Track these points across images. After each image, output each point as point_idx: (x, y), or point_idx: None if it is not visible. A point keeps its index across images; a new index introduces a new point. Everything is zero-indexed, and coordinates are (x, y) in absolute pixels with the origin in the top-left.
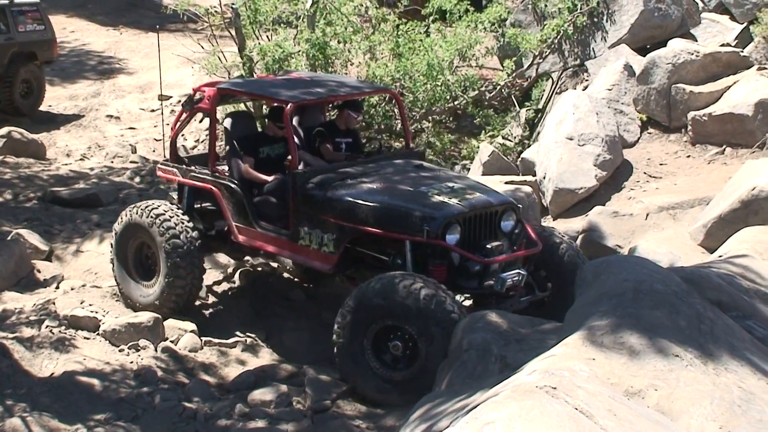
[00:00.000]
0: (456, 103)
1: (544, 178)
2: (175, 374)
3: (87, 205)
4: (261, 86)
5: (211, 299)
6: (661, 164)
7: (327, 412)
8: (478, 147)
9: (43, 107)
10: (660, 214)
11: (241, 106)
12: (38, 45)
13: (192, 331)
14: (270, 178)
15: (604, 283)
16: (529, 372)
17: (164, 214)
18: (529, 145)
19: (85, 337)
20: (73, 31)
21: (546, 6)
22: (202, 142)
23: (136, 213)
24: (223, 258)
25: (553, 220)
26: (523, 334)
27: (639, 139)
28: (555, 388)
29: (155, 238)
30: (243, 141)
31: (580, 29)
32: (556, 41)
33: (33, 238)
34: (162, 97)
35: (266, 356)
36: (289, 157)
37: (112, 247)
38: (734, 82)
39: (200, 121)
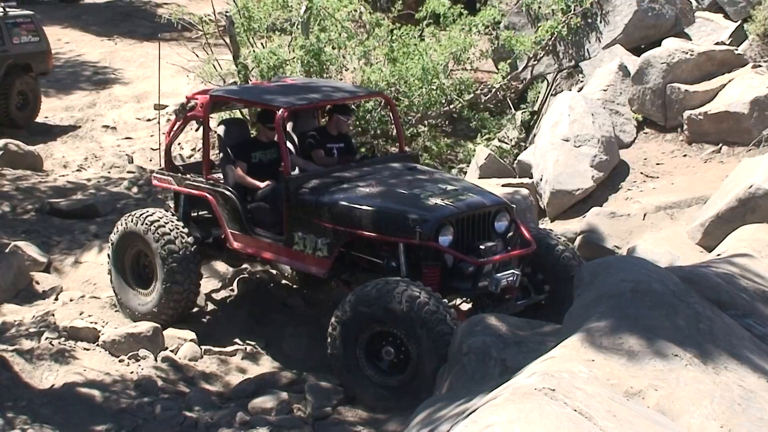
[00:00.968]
0: (451, 106)
1: (541, 180)
2: (175, 384)
3: (85, 216)
4: (253, 92)
5: (210, 307)
6: (657, 164)
7: (328, 419)
8: (475, 150)
9: (39, 119)
10: (657, 213)
11: (237, 113)
12: (33, 57)
13: (191, 340)
14: (263, 184)
15: (602, 284)
16: (529, 374)
17: (159, 221)
18: (525, 148)
19: (84, 348)
20: (67, 42)
21: (540, 8)
22: (199, 150)
23: (132, 221)
24: (221, 266)
25: (551, 222)
26: (522, 336)
27: (635, 139)
28: (554, 389)
29: (151, 245)
30: (236, 147)
31: (574, 30)
32: (550, 43)
33: (31, 250)
34: (158, 107)
35: (266, 364)
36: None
37: (109, 257)
38: (729, 81)
39: (196, 130)
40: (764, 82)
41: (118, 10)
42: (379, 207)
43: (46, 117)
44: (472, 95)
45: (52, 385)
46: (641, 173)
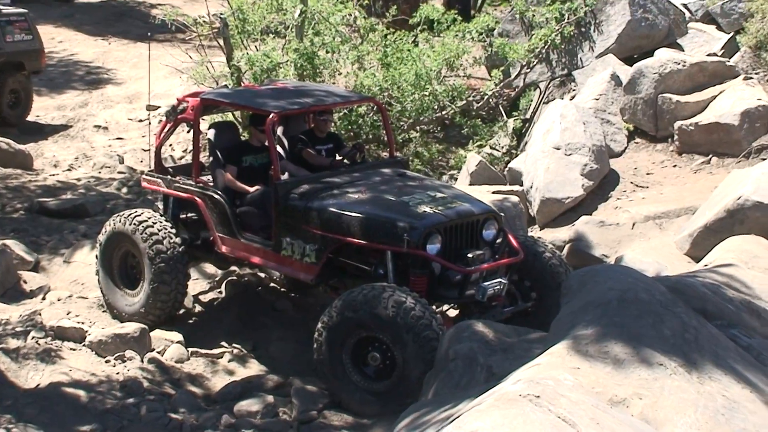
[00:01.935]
0: (444, 112)
1: (531, 187)
2: (161, 385)
3: (74, 216)
4: (245, 96)
5: (198, 309)
6: (647, 174)
7: (313, 423)
8: (466, 157)
9: (30, 117)
10: (646, 223)
11: (228, 116)
12: (26, 55)
13: (179, 342)
14: (252, 189)
15: (589, 292)
16: (514, 381)
17: (147, 221)
18: (516, 155)
19: (71, 348)
20: (61, 41)
21: (534, 16)
22: (190, 152)
23: (120, 222)
24: (209, 268)
25: (540, 230)
26: (509, 343)
27: (626, 148)
28: (538, 396)
29: (139, 245)
30: (226, 151)
31: (567, 39)
32: (543, 51)
33: (19, 249)
34: (150, 108)
35: (253, 367)
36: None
37: (97, 257)
38: (720, 92)
39: (188, 131)
40: (755, 94)
41: (111, 10)
42: (368, 214)
43: (38, 116)
44: (464, 102)
45: (38, 385)
46: (631, 183)
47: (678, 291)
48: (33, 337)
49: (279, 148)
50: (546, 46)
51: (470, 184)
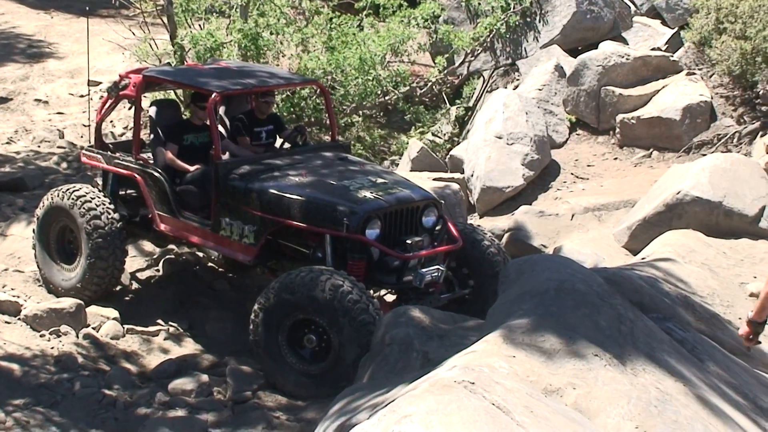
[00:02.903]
0: (387, 98)
1: (472, 175)
2: (96, 361)
3: (12, 189)
4: (187, 75)
5: (135, 286)
6: (588, 165)
7: (247, 403)
8: (408, 143)
9: None
10: (585, 215)
11: (171, 94)
12: None
13: (114, 319)
14: (193, 168)
15: (526, 282)
16: (449, 367)
17: (85, 196)
18: (458, 143)
19: (5, 322)
20: (2, 14)
21: (479, 4)
22: (131, 129)
23: (58, 196)
24: (147, 246)
25: (480, 218)
26: (446, 330)
27: (567, 139)
28: (473, 383)
29: (76, 219)
30: (167, 129)
31: (512, 29)
32: (488, 40)
33: None
34: (90, 83)
35: (189, 345)
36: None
37: (34, 231)
38: (663, 87)
39: (129, 108)
40: (697, 90)
41: None
42: (308, 197)
43: None
44: (407, 88)
45: None
46: (572, 174)
47: (615, 283)
48: None
49: (221, 128)
50: (491, 35)
51: (411, 171)
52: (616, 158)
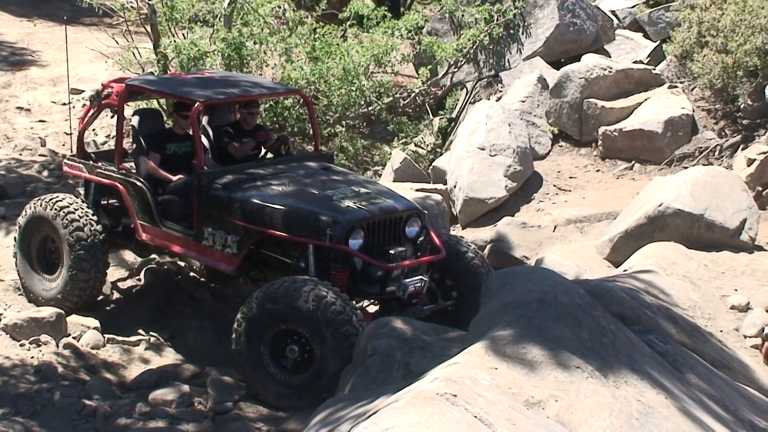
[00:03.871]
0: (370, 108)
1: (455, 187)
2: (76, 371)
3: None
4: (170, 84)
5: (116, 296)
6: (570, 177)
7: (228, 414)
8: (391, 153)
9: None
10: (568, 226)
11: (153, 103)
12: None
13: (95, 328)
14: (175, 178)
15: (509, 293)
16: (431, 379)
17: (68, 207)
18: (441, 154)
19: None
20: None
21: (463, 16)
22: (113, 138)
23: (40, 206)
24: (128, 255)
25: (462, 229)
26: (428, 341)
27: (550, 151)
28: (455, 395)
29: (59, 230)
30: (150, 138)
31: (496, 40)
32: (471, 51)
33: None
34: (71, 91)
35: (169, 356)
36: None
37: (15, 240)
38: (645, 99)
39: (112, 117)
40: (679, 103)
41: None
42: (291, 207)
43: None
44: (391, 98)
45: None
46: (554, 186)
47: (597, 295)
48: None
49: (203, 138)
50: (474, 47)
51: (394, 181)
52: (598, 170)
